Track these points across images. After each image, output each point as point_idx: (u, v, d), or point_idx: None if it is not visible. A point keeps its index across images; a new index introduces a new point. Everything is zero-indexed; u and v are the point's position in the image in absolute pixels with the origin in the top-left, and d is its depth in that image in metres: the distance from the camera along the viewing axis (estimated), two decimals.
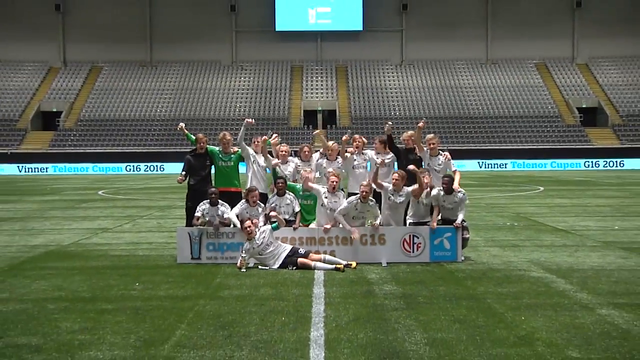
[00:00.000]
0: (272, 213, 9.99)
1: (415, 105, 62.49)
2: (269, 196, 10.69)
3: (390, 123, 11.21)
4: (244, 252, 9.44)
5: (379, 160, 10.58)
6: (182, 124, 11.52)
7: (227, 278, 8.81)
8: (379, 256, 9.88)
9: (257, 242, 9.47)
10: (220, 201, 10.28)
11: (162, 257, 10.61)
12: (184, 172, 10.75)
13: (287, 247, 9.60)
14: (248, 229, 9.49)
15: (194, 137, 11.15)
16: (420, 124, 10.84)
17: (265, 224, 9.91)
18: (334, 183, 10.19)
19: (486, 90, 64.62)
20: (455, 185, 10.19)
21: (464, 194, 10.18)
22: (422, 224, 10.22)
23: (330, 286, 8.23)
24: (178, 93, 64.89)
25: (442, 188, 10.14)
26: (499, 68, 67.81)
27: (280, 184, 10.38)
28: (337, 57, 68.45)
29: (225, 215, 10.13)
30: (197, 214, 10.18)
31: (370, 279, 8.72)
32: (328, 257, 9.59)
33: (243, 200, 10.29)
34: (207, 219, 10.12)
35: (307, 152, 11.34)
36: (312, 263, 9.28)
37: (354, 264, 9.51)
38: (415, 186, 10.15)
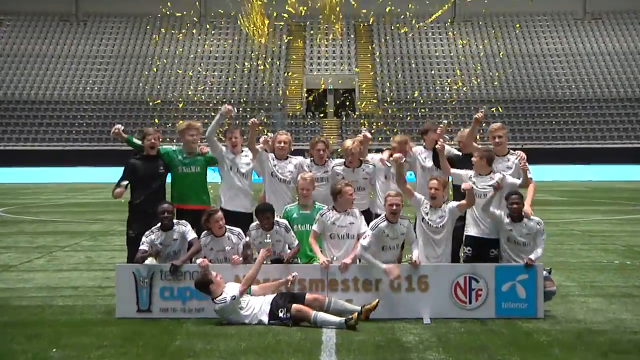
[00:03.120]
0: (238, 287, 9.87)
1: (474, 83, 62.55)
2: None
3: (445, 123, 11.27)
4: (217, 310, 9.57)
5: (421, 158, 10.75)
6: (118, 126, 11.24)
7: (192, 339, 8.83)
8: (418, 308, 9.89)
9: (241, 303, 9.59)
10: (176, 220, 10.35)
11: (94, 309, 10.62)
12: (124, 183, 10.76)
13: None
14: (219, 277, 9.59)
15: (138, 142, 11.09)
16: (478, 115, 10.93)
17: (246, 257, 9.99)
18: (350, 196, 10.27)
19: (583, 60, 64.67)
20: (527, 207, 10.26)
21: (540, 224, 10.25)
22: (490, 243, 10.29)
23: (346, 353, 8.24)
24: (118, 63, 65.27)
25: (508, 212, 10.20)
26: (602, 26, 67.86)
27: (267, 219, 10.29)
28: (357, 11, 68.71)
29: (190, 237, 10.18)
30: (143, 246, 10.20)
31: (406, 342, 8.73)
32: (336, 301, 9.66)
33: (203, 234, 10.32)
34: (159, 247, 10.15)
35: (321, 151, 11.21)
36: (312, 313, 9.33)
37: (373, 302, 9.55)
38: (463, 201, 10.23)
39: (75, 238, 19.11)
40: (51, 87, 62.59)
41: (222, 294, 9.49)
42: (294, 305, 9.39)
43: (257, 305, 9.55)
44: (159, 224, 10.25)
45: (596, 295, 11.52)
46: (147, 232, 10.25)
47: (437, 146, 10.65)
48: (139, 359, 8.08)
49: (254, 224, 10.51)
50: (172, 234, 10.24)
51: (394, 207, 9.96)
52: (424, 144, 11.24)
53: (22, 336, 9.06)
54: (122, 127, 11.36)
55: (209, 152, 11.11)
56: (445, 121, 11.70)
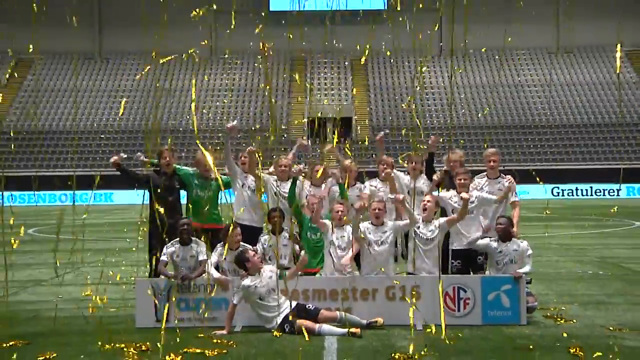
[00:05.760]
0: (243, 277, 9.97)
1: (459, 111, 62.64)
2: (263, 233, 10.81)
3: (433, 138, 11.40)
4: (237, 292, 9.54)
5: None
6: (139, 154, 11.69)
7: (206, 347, 8.81)
8: (411, 316, 9.87)
9: (263, 280, 9.56)
10: (194, 238, 10.36)
11: (117, 319, 10.63)
12: (123, 155, 10.90)
13: (293, 303, 9.68)
14: (256, 257, 9.60)
15: (156, 160, 11.34)
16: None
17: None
18: (340, 214, 10.41)
19: (557, 90, 64.81)
20: (515, 229, 10.33)
21: (527, 244, 10.29)
22: (475, 252, 10.35)
23: (347, 358, 8.26)
24: (137, 95, 65.38)
25: (495, 235, 10.24)
26: (574, 59, 68.07)
27: (276, 218, 10.48)
28: (353, 47, 68.89)
29: (201, 257, 10.19)
30: (164, 258, 10.25)
31: (401, 347, 8.72)
32: (349, 316, 9.67)
33: (220, 244, 10.37)
34: (179, 265, 10.16)
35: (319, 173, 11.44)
36: (316, 326, 9.31)
37: (380, 320, 9.61)
38: (452, 216, 10.30)
39: (100, 255, 19.13)
40: (77, 118, 62.78)
41: (250, 277, 9.61)
42: (299, 321, 9.36)
43: (282, 304, 9.59)
44: (177, 238, 10.30)
45: (572, 303, 11.51)
46: (167, 245, 10.30)
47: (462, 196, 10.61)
48: None
49: (264, 232, 10.72)
50: (189, 250, 10.26)
51: (377, 211, 10.16)
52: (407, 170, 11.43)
53: (54, 344, 9.06)
54: (142, 155, 11.61)
55: (220, 177, 11.25)
56: (433, 136, 11.69)
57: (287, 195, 11.01)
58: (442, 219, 10.38)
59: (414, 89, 63.86)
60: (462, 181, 10.58)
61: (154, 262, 10.82)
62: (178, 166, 11.40)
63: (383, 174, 11.07)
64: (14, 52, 68.02)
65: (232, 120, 12.17)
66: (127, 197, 47.87)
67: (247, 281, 9.61)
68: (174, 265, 10.32)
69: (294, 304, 9.63)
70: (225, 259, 10.22)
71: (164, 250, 10.31)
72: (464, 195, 10.10)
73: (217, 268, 10.19)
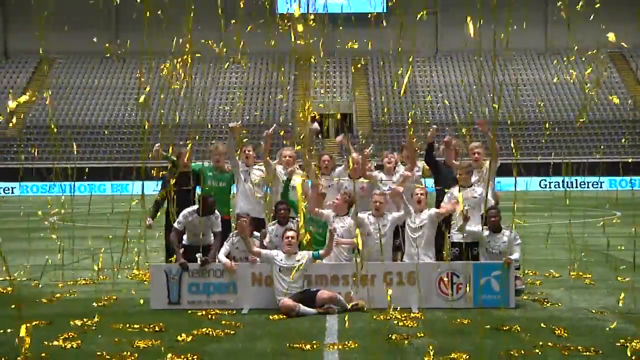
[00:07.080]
0: (260, 250, 10.05)
1: (453, 108, 62.63)
2: (267, 224, 10.79)
3: (434, 127, 11.39)
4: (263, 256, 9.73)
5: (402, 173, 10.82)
6: (157, 146, 11.70)
7: (215, 327, 8.84)
8: (408, 299, 9.90)
9: (291, 260, 9.64)
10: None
11: (132, 302, 10.65)
12: (152, 220, 10.95)
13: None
14: (290, 239, 9.63)
15: (174, 158, 11.36)
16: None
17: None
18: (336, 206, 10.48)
19: (545, 88, 64.74)
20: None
21: (515, 234, 10.28)
22: (471, 245, 10.33)
23: (347, 337, 8.27)
24: (152, 93, 65.34)
25: (487, 225, 10.25)
26: (561, 59, 67.91)
27: (283, 211, 10.43)
28: (355, 48, 68.74)
29: (215, 228, 10.34)
30: (178, 226, 10.41)
31: (398, 328, 8.75)
32: (340, 298, 9.73)
33: (232, 234, 10.40)
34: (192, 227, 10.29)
35: (326, 163, 11.35)
36: (296, 307, 9.39)
37: (361, 302, 9.66)
38: (441, 210, 10.33)
39: (116, 241, 19.04)
40: (96, 113, 62.79)
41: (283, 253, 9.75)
42: (282, 301, 9.45)
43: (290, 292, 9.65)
44: (196, 207, 10.32)
45: (558, 287, 11.53)
46: (185, 213, 10.34)
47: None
48: (171, 343, 8.11)
49: (272, 222, 10.65)
50: (206, 220, 10.35)
51: (377, 204, 10.19)
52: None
53: (73, 325, 9.08)
54: (160, 145, 11.69)
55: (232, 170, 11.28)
56: (435, 126, 11.69)
57: (293, 184, 10.99)
58: (433, 210, 10.40)
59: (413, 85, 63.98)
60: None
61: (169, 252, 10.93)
62: (192, 163, 11.43)
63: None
64: (37, 53, 68.08)
65: (238, 120, 12.26)
66: (145, 187, 47.86)
67: (280, 255, 9.68)
68: (186, 230, 10.48)
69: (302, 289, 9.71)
70: (237, 247, 10.25)
71: (180, 218, 10.42)
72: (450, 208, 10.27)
73: (228, 256, 10.20)
